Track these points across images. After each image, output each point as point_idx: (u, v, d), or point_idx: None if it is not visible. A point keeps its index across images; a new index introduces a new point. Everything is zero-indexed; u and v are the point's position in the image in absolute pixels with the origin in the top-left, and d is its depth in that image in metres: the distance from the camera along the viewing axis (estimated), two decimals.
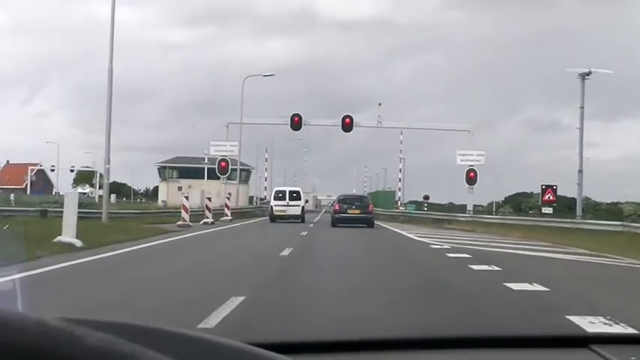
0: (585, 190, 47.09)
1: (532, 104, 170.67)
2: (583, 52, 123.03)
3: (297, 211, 42.98)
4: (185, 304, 8.75)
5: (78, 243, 17.56)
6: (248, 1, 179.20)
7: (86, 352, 0.81)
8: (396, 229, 34.89)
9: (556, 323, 7.51)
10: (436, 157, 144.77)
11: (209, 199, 39.20)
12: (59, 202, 36.66)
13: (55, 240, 17.32)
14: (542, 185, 45.64)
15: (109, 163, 29.33)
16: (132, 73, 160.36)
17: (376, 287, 10.95)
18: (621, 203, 66.75)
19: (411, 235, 28.32)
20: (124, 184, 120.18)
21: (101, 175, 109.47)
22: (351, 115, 50.75)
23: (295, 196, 43.91)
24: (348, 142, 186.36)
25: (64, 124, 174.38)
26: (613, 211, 58.61)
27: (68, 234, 17.79)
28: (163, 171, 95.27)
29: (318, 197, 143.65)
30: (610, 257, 18.36)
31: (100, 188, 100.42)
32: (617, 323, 7.27)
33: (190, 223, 32.05)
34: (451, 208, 75.67)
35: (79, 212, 19.00)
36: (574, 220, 34.99)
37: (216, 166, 51.46)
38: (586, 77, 44.72)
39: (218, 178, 52.55)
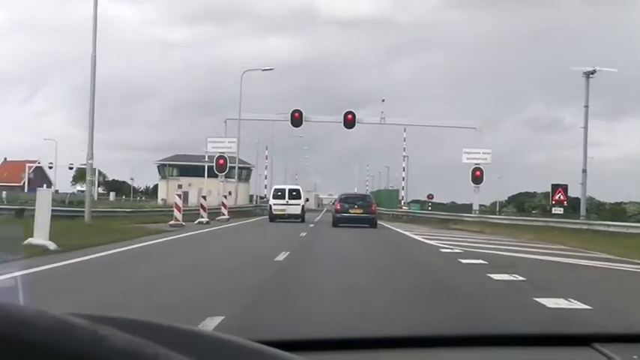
0: (588, 190, 45.80)
1: (533, 103, 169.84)
2: (583, 51, 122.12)
3: (297, 210, 41.68)
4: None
5: (51, 245, 15.95)
6: (248, 0, 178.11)
7: (110, 353, 0.77)
8: (399, 230, 33.41)
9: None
10: (438, 155, 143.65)
11: (204, 197, 37.93)
12: (55, 199, 35.72)
13: (25, 242, 15.58)
14: (552, 184, 44.30)
15: (92, 158, 27.73)
16: (132, 72, 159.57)
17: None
18: (625, 203, 65.53)
19: (417, 237, 26.66)
20: (124, 182, 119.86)
21: (100, 173, 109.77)
22: (353, 111, 48.97)
23: (295, 194, 42.59)
24: (350, 140, 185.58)
25: (63, 123, 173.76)
26: (616, 211, 57.34)
27: (40, 235, 16.14)
28: (163, 169, 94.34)
29: (320, 196, 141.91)
30: (639, 263, 16.73)
31: (99, 186, 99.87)
32: None
33: (183, 223, 30.66)
34: (453, 207, 74.46)
35: (63, 211, 17.35)
36: (588, 222, 33.35)
37: (214, 164, 49.97)
38: (590, 76, 44.19)
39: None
